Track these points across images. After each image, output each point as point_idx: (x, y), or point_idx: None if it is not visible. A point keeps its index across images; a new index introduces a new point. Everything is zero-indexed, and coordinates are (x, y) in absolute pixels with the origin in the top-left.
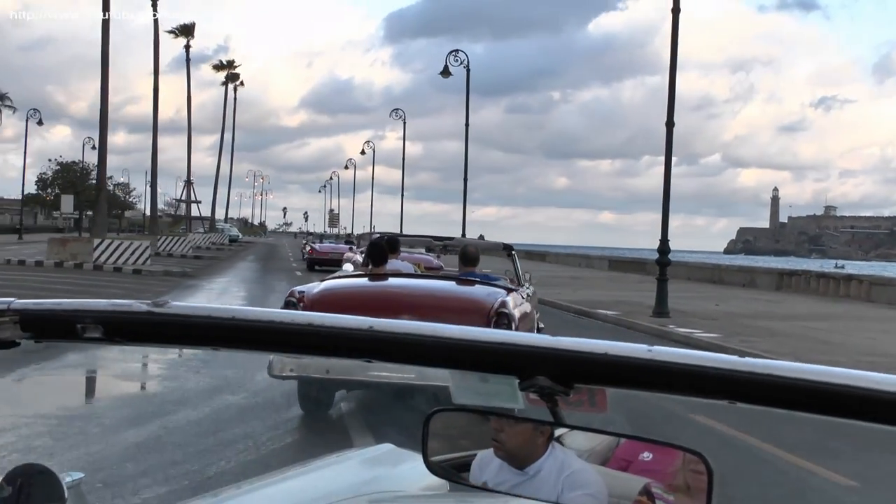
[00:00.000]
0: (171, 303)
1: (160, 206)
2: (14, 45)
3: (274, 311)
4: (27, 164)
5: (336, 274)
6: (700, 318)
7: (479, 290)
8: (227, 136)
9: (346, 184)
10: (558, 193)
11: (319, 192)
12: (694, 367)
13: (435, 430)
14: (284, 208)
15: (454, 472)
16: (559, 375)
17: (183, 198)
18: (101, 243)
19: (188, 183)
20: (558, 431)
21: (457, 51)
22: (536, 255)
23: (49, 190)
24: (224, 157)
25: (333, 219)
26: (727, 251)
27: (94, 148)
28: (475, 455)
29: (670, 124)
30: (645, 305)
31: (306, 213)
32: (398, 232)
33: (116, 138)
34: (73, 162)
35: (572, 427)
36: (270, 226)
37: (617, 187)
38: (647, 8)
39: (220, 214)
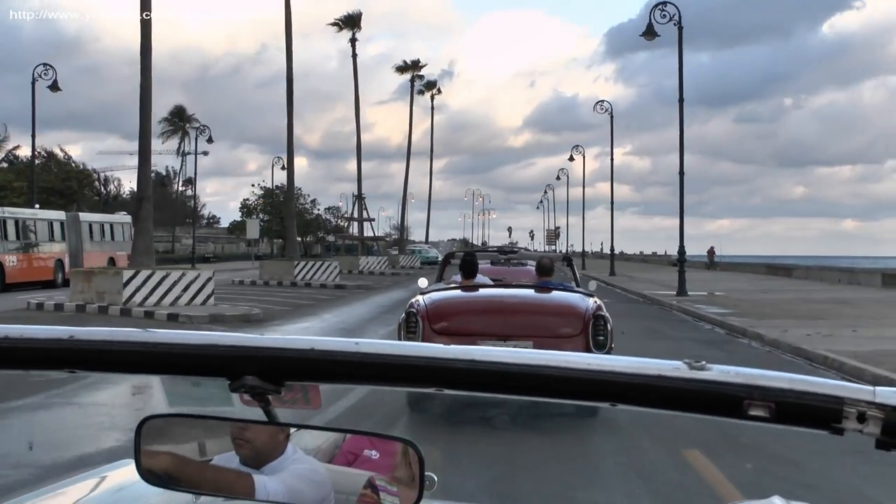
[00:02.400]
0: None
1: (375, 230)
2: (252, 82)
3: None
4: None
5: (429, 287)
6: None
7: (572, 297)
8: (456, 158)
9: (575, 200)
10: (794, 203)
11: (537, 208)
12: (400, 358)
13: (150, 438)
14: (509, 227)
15: (171, 480)
16: (268, 374)
17: (356, 215)
18: (133, 277)
19: (359, 198)
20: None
21: (664, 3)
22: (780, 268)
23: (253, 216)
24: (447, 178)
25: (551, 236)
26: None
27: (283, 168)
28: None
29: None
30: None
31: (532, 231)
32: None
33: (347, 164)
34: (277, 186)
35: (290, 425)
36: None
37: (858, 194)
38: (887, 5)
39: (433, 236)
